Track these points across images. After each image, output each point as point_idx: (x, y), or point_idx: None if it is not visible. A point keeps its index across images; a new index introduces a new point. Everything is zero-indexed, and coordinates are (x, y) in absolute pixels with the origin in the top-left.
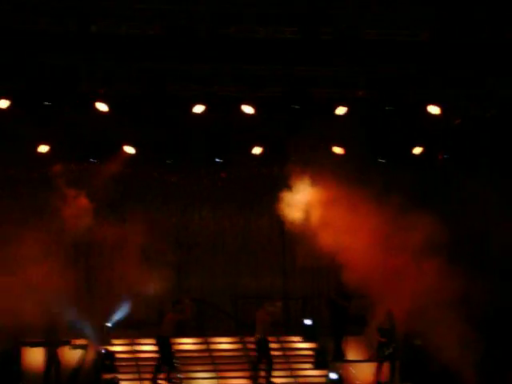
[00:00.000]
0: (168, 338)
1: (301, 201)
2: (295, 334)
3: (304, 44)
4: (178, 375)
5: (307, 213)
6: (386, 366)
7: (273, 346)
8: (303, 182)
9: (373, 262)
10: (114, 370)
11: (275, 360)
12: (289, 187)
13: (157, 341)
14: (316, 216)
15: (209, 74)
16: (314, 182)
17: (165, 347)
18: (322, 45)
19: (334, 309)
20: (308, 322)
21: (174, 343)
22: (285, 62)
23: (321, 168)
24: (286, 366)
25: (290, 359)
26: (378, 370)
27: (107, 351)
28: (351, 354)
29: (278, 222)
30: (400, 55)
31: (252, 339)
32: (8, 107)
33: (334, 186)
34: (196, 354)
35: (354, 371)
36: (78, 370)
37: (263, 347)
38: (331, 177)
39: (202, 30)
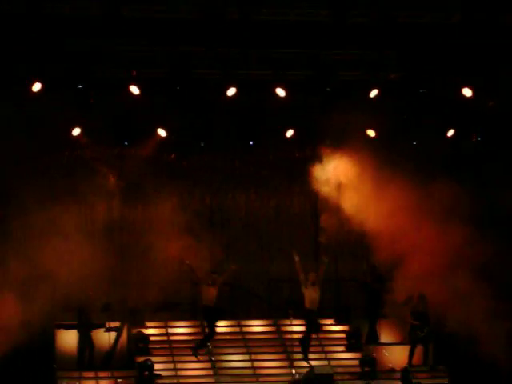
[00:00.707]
0: (209, 307)
1: (333, 183)
2: (328, 317)
3: (335, 27)
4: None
5: (340, 195)
6: (418, 349)
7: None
8: (336, 165)
9: (406, 242)
10: (147, 352)
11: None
12: (321, 170)
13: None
14: (349, 197)
15: (240, 57)
16: (347, 164)
17: (208, 317)
18: (353, 28)
19: (368, 291)
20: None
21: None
22: (316, 45)
23: (353, 150)
24: (319, 349)
25: (323, 342)
26: (411, 353)
27: (141, 334)
28: (384, 337)
29: (311, 204)
30: (431, 37)
31: (285, 321)
32: (40, 90)
33: (367, 168)
34: (229, 337)
35: (387, 354)
36: (112, 352)
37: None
38: (363, 159)
39: (233, 13)
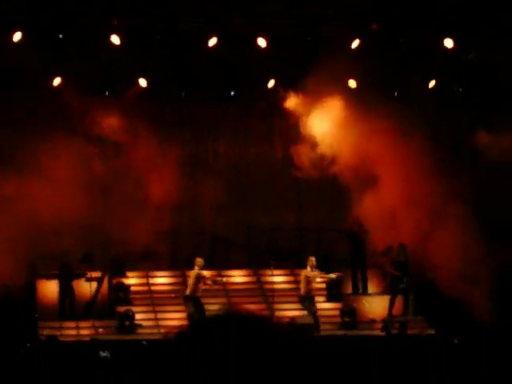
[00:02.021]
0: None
1: (315, 134)
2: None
3: None
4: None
5: (321, 146)
6: (399, 300)
7: (287, 278)
8: (317, 115)
9: (388, 192)
10: (128, 302)
11: (289, 293)
12: (303, 120)
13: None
14: (330, 148)
15: (220, 8)
16: (329, 114)
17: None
18: None
19: (353, 241)
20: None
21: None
22: None
23: (335, 101)
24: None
25: None
26: (392, 303)
27: (122, 284)
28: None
29: (292, 153)
30: None
31: (266, 271)
32: (21, 40)
33: (348, 119)
34: (210, 287)
35: (367, 304)
36: (93, 302)
37: None
38: (345, 110)
39: None
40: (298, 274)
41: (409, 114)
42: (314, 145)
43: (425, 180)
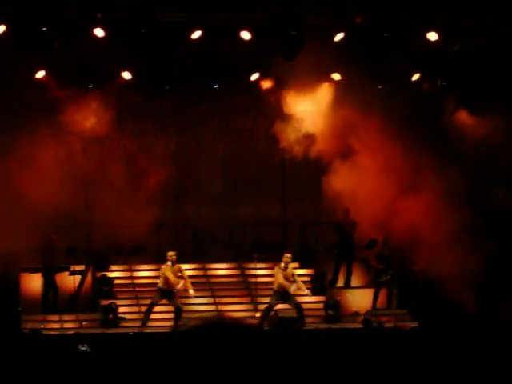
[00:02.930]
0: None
1: (299, 127)
2: (293, 261)
3: None
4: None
5: (305, 139)
6: (383, 293)
7: (270, 272)
8: (301, 108)
9: (371, 187)
10: (112, 295)
11: (272, 286)
12: (287, 113)
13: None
14: (314, 142)
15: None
16: (312, 107)
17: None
18: None
19: (340, 234)
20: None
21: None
22: None
23: (319, 94)
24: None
25: None
26: (375, 296)
27: (105, 277)
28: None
29: (277, 148)
30: None
31: (250, 265)
32: (4, 32)
33: (332, 111)
34: (193, 280)
35: (350, 297)
36: (76, 295)
37: None
38: (330, 103)
39: None
40: None
41: (392, 104)
42: (297, 131)
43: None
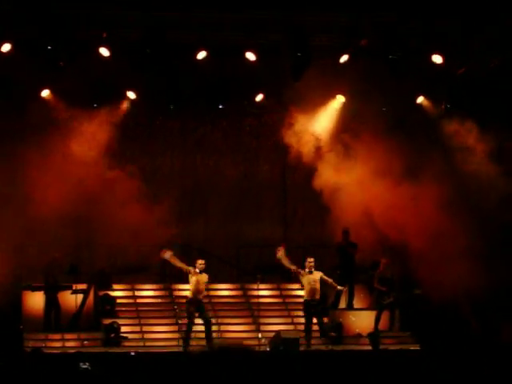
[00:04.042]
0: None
1: (302, 148)
2: (294, 282)
3: None
4: None
5: (309, 161)
6: (385, 315)
7: (273, 292)
8: (305, 130)
9: (380, 207)
10: (114, 315)
11: (275, 307)
12: (290, 134)
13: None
14: (318, 163)
15: (209, 20)
16: (316, 129)
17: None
18: None
19: (342, 256)
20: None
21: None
22: (286, 7)
23: (323, 115)
24: (285, 313)
25: (290, 306)
26: (377, 318)
27: (108, 296)
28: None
29: (280, 169)
30: (402, 3)
31: (252, 286)
32: (9, 51)
33: (337, 133)
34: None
35: (353, 319)
36: (78, 314)
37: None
38: (334, 124)
39: None
40: (284, 289)
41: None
42: (301, 153)
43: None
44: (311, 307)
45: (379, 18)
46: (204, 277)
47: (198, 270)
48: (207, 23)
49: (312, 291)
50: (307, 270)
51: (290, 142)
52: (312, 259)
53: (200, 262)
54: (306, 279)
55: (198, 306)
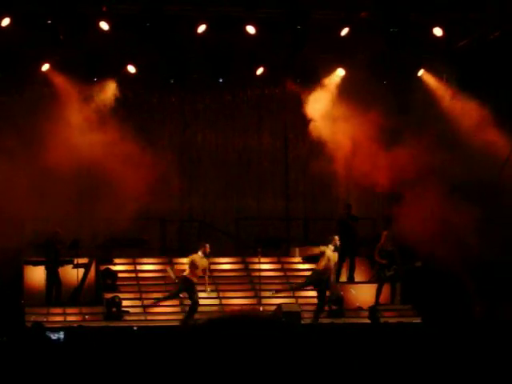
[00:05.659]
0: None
1: (303, 120)
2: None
3: None
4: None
5: (311, 133)
6: (386, 288)
7: (274, 266)
8: (306, 103)
9: (378, 180)
10: (115, 289)
11: (276, 281)
12: (291, 108)
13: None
14: (319, 136)
15: None
16: (317, 102)
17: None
18: None
19: (344, 230)
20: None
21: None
22: None
23: (323, 88)
24: (286, 287)
25: (291, 279)
26: (378, 291)
27: (109, 270)
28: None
29: (281, 141)
30: None
31: (253, 259)
32: (8, 25)
33: (337, 106)
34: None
35: (354, 292)
36: (80, 289)
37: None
38: (334, 97)
39: None
40: (285, 262)
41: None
42: (302, 126)
43: None
44: (321, 281)
45: None
46: (205, 262)
47: (201, 255)
48: None
49: (326, 267)
50: (332, 246)
51: (291, 115)
52: (337, 237)
53: (207, 246)
54: (329, 253)
55: (189, 285)
